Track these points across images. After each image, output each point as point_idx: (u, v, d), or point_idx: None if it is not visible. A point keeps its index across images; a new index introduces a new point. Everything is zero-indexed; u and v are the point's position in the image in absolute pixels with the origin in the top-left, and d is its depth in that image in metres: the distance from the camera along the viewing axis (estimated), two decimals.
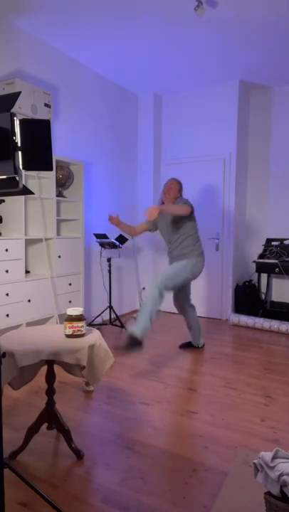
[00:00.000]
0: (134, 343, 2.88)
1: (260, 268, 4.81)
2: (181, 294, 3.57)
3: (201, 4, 3.08)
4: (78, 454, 1.98)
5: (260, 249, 5.23)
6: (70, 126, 4.25)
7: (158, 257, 5.44)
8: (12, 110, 1.20)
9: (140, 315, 3.01)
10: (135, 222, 5.41)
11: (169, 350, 3.76)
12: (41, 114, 3.45)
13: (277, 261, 4.66)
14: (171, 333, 4.32)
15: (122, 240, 4.10)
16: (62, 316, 3.81)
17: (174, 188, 3.36)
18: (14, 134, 1.19)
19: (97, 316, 4.42)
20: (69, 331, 1.95)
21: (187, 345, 3.89)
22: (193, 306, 3.68)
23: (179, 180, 3.47)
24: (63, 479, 1.82)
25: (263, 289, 5.15)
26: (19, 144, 1.20)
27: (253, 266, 5.31)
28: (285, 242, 4.87)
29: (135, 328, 2.93)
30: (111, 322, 4.40)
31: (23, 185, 1.29)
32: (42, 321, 3.74)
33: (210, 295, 5.16)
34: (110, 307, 4.27)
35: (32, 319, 3.44)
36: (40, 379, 2.98)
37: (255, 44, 3.88)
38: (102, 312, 4.36)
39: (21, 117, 1.29)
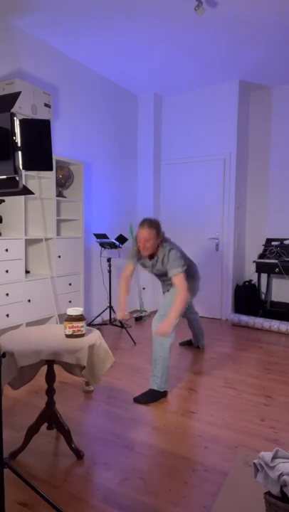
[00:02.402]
0: (161, 396, 2.70)
1: (260, 268, 4.81)
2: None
3: (201, 4, 3.08)
4: (78, 454, 1.98)
5: (260, 249, 5.23)
6: (70, 126, 4.25)
7: None
8: (12, 110, 1.20)
9: (156, 368, 2.72)
10: (134, 222, 5.41)
11: None
12: (41, 114, 3.45)
13: (277, 261, 4.66)
14: None
15: (122, 239, 4.10)
16: (62, 316, 3.80)
17: (152, 239, 2.71)
18: (14, 134, 1.19)
19: (97, 316, 4.41)
20: (69, 331, 1.95)
21: (187, 344, 3.90)
22: (196, 313, 3.65)
23: (153, 222, 2.73)
24: (63, 479, 1.82)
25: (263, 289, 5.15)
26: (19, 144, 1.20)
27: (253, 266, 5.30)
28: (285, 242, 4.87)
29: (156, 385, 2.70)
30: (111, 322, 4.40)
31: (23, 185, 1.29)
32: (42, 321, 3.74)
33: (210, 295, 5.16)
34: (110, 307, 4.27)
35: (32, 319, 3.44)
36: (40, 379, 2.98)
37: (255, 44, 3.88)
38: (102, 312, 4.36)
39: (21, 117, 1.29)
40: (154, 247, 2.76)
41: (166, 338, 2.74)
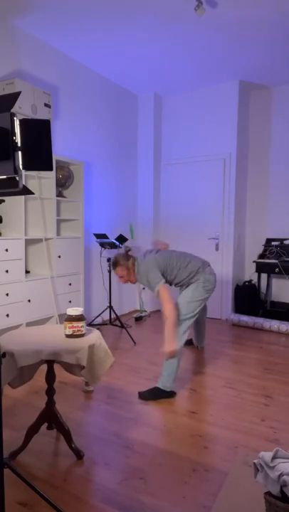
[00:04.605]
0: (166, 396, 2.68)
1: (260, 268, 4.81)
2: (202, 310, 3.44)
3: (201, 4, 3.08)
4: (78, 454, 1.98)
5: (260, 249, 5.23)
6: (70, 126, 4.25)
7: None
8: (12, 110, 1.20)
9: (164, 366, 2.70)
10: (135, 222, 5.41)
11: None
12: (41, 114, 3.45)
13: (277, 261, 4.66)
14: None
15: (122, 239, 4.10)
16: (63, 316, 3.80)
17: (124, 274, 2.90)
18: (14, 134, 1.19)
19: (97, 316, 4.41)
20: (69, 331, 1.95)
21: (187, 343, 3.89)
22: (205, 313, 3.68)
23: (118, 259, 2.89)
24: (63, 479, 1.82)
25: (263, 289, 5.14)
26: (19, 144, 1.20)
27: (253, 266, 5.30)
28: (285, 242, 4.87)
29: (160, 384, 2.69)
30: (111, 322, 4.40)
31: (23, 185, 1.29)
32: (42, 321, 3.74)
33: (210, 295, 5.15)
34: (110, 307, 4.27)
35: (32, 319, 3.44)
36: (40, 379, 2.98)
37: (255, 44, 3.88)
38: (102, 312, 4.36)
39: (21, 117, 1.29)
40: (130, 275, 2.93)
41: (181, 327, 2.74)
